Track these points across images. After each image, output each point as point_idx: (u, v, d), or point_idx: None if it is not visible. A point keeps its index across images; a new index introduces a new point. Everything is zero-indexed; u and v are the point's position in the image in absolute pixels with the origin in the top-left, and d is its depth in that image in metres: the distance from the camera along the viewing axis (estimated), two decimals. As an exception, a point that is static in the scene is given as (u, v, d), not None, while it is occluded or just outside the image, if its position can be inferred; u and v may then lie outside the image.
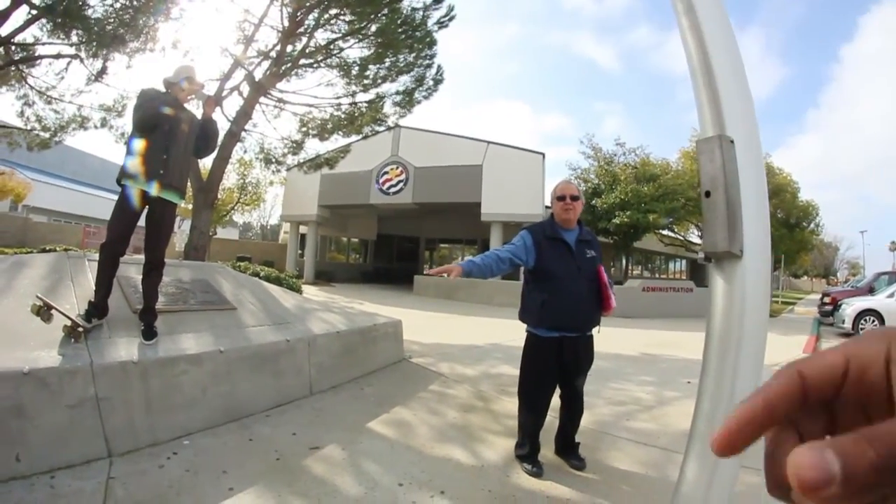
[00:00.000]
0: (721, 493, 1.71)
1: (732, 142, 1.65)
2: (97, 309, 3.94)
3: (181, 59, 12.71)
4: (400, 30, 13.17)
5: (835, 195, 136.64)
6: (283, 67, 12.96)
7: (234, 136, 12.88)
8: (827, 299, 19.26)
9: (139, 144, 4.14)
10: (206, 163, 17.07)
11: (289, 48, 12.91)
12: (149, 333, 4.06)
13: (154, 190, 4.09)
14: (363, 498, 3.14)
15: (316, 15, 12.57)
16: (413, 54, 14.05)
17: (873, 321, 14.06)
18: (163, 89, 4.43)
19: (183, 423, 3.89)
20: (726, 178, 1.61)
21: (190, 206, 14.24)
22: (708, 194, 1.66)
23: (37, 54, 12.12)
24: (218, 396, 4.22)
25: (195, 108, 4.94)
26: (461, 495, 3.30)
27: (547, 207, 25.13)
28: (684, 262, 44.95)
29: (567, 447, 4.09)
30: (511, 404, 5.45)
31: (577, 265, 3.78)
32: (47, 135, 13.95)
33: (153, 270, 4.28)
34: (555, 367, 3.84)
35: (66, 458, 3.15)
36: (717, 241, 1.63)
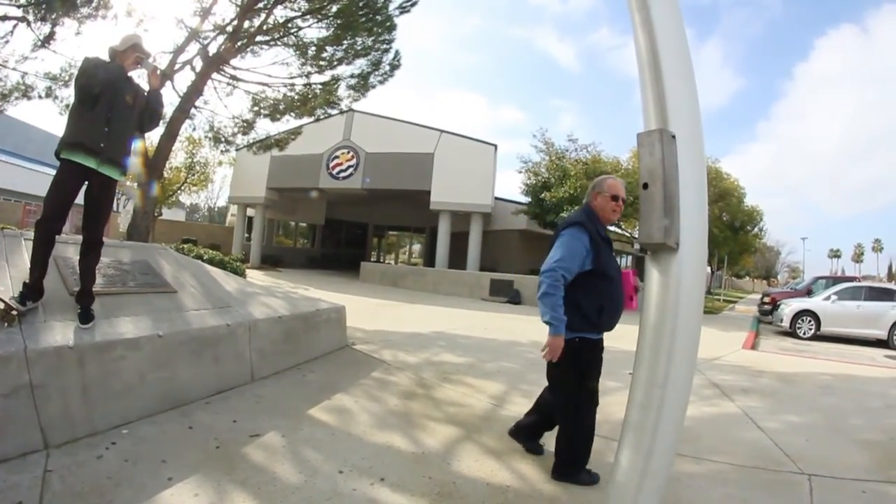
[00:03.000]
0: (655, 480, 1.75)
1: (674, 137, 1.68)
2: (32, 291, 3.77)
3: (134, 28, 12.29)
4: (361, 12, 12.98)
5: (781, 203, 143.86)
6: (238, 43, 12.61)
7: (183, 112, 12.44)
8: (767, 299, 20.23)
9: (80, 115, 3.95)
10: (152, 139, 16.61)
11: (246, 24, 12.56)
12: (85, 317, 3.88)
13: (94, 164, 3.94)
14: (303, 486, 3.12)
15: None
16: (372, 38, 13.85)
17: (810, 321, 14.89)
18: (108, 59, 4.26)
19: (122, 411, 3.76)
20: (665, 171, 1.64)
21: (134, 184, 13.78)
22: (646, 186, 1.69)
23: (-21, 15, 11.53)
24: (157, 383, 4.09)
25: (141, 80, 4.76)
26: (401, 482, 3.30)
27: (497, 198, 25.33)
28: (630, 257, 45.85)
29: (536, 435, 4.06)
30: (452, 391, 5.51)
31: (618, 265, 3.69)
32: (-13, 104, 13.25)
33: (91, 250, 4.07)
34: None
35: (0, 451, 3.02)
36: (652, 233, 1.66)
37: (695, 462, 4.13)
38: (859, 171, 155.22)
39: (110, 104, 4.01)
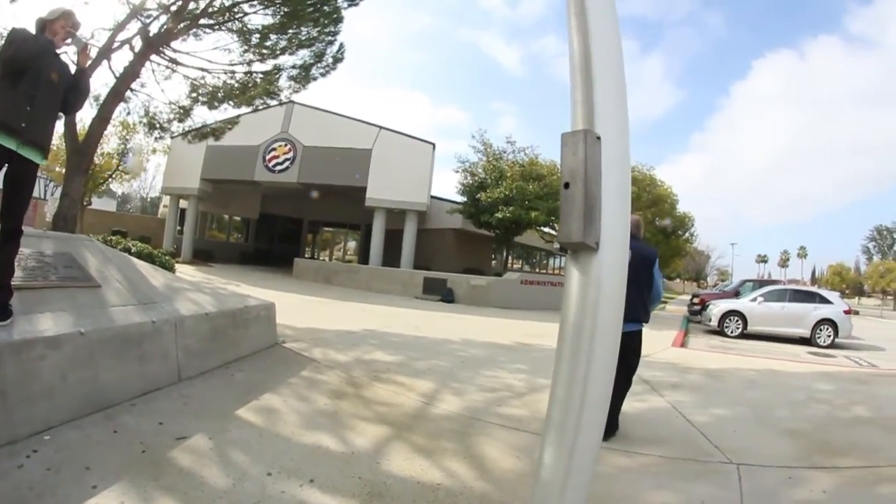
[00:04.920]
0: (580, 477, 1.75)
1: (599, 138, 1.69)
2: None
3: (72, 1, 11.77)
4: (309, 1, 12.83)
5: (713, 211, 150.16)
6: (182, 24, 12.15)
7: (118, 94, 11.91)
8: (696, 300, 21.01)
9: (1, 91, 3.74)
10: (84, 122, 15.91)
11: (192, 4, 12.11)
12: (3, 313, 3.64)
13: (14, 145, 3.72)
14: (231, 489, 3.06)
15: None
16: (317, 29, 13.65)
17: (737, 321, 15.64)
18: (36, 30, 4.03)
19: (43, 415, 3.55)
20: (587, 171, 1.65)
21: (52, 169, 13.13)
22: (567, 186, 1.69)
23: None
24: (80, 384, 3.88)
25: (67, 57, 4.52)
26: (331, 483, 3.27)
27: (433, 197, 25.39)
28: (563, 259, 46.65)
29: None
30: (383, 390, 5.49)
31: None
32: None
33: (9, 240, 3.83)
34: None
35: (-88, 464, 2.82)
36: (571, 232, 1.66)
37: (626, 456, 4.24)
38: (789, 184, 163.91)
39: (35, 81, 3.79)
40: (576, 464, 1.72)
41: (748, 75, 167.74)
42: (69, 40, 4.11)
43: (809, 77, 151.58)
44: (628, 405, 5.36)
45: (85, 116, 16.00)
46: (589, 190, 1.65)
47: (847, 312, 15.27)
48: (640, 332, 4.86)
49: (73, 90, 4.17)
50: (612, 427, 4.59)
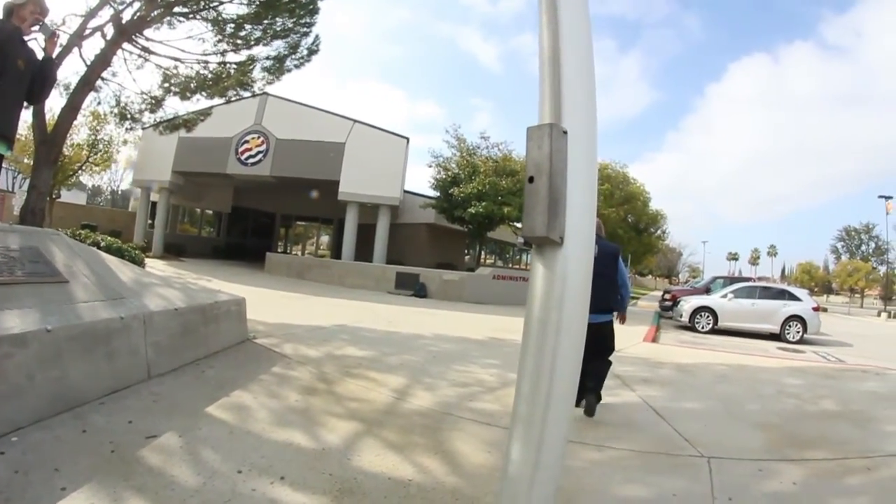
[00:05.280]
0: (548, 472, 1.76)
1: (565, 132, 1.69)
2: None
3: None
4: None
5: (687, 208, 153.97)
6: (155, 11, 11.98)
7: (88, 83, 11.73)
8: (668, 296, 21.44)
9: None
10: (53, 111, 15.59)
11: None
12: None
13: None
14: (202, 488, 3.02)
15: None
16: (293, 19, 13.56)
17: (708, 317, 15.93)
18: (2, 15, 3.94)
19: (10, 416, 3.45)
20: (552, 165, 1.65)
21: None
22: (531, 180, 1.70)
23: None
24: (47, 383, 3.78)
25: (35, 44, 4.43)
26: (302, 480, 3.25)
27: (406, 192, 25.36)
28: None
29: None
30: (354, 386, 5.47)
31: None
32: None
33: None
34: None
35: None
36: (535, 226, 1.67)
37: (597, 450, 4.27)
38: (761, 184, 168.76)
39: (1, 69, 3.75)
40: (544, 459, 1.73)
41: (723, 77, 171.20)
42: (37, 27, 4.04)
43: (783, 80, 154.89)
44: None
45: (54, 106, 15.73)
46: (554, 184, 1.66)
47: (815, 309, 15.66)
48: (612, 322, 5.59)
49: (39, 79, 4.11)
50: (592, 406, 5.20)
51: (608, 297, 5.39)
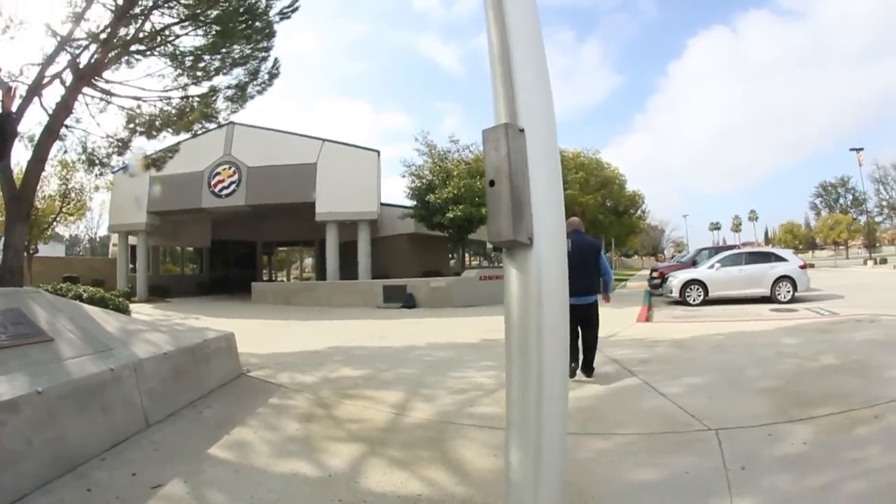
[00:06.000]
0: (551, 473, 1.74)
1: (522, 130, 1.68)
2: None
3: (0, 35, 11.38)
4: (240, 18, 12.56)
5: (661, 186, 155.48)
6: (112, 52, 11.78)
7: (52, 132, 11.37)
8: (655, 274, 21.55)
9: None
10: (21, 165, 15.38)
11: (122, 31, 11.75)
12: None
13: None
14: (211, 530, 3.04)
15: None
16: (250, 46, 13.39)
17: (698, 289, 16.07)
18: None
19: (12, 484, 3.35)
20: (511, 166, 1.63)
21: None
22: (492, 183, 1.68)
23: None
24: (45, 445, 3.67)
25: None
26: (310, 509, 3.27)
27: (383, 204, 25.34)
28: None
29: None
30: (352, 406, 5.44)
31: None
32: None
33: None
34: None
35: None
36: (501, 230, 1.65)
37: (603, 439, 4.27)
38: (733, 153, 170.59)
39: None
40: (545, 460, 1.71)
41: (684, 54, 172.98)
42: None
43: (742, 50, 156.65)
44: (599, 388, 5.49)
45: (21, 160, 15.52)
46: (515, 185, 1.64)
47: (803, 267, 15.88)
48: (596, 302, 6.53)
49: None
50: (589, 370, 6.34)
51: (591, 283, 6.41)
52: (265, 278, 37.82)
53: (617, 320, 11.18)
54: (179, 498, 3.46)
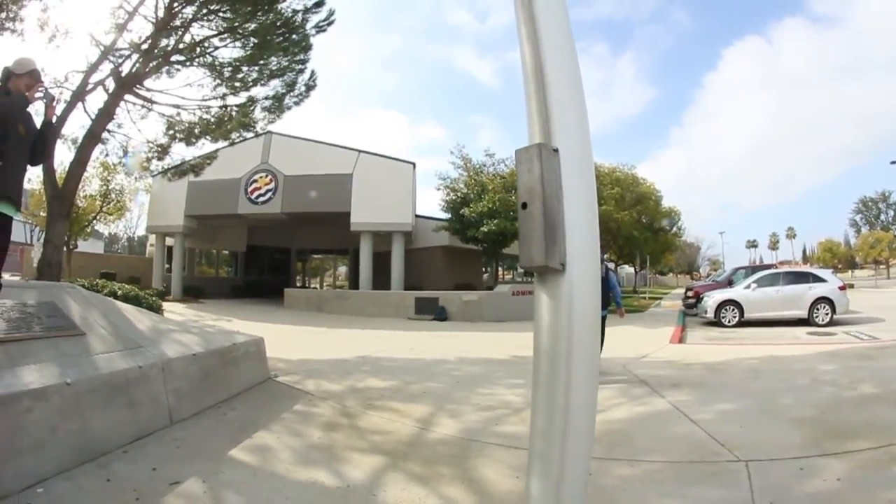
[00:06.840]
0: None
1: (556, 150, 1.63)
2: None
3: (47, 44, 11.74)
4: (278, 31, 12.82)
5: (697, 201, 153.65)
6: (153, 62, 12.14)
7: (94, 137, 11.80)
8: (690, 293, 21.11)
9: None
10: (64, 165, 15.79)
11: (162, 42, 12.11)
12: None
13: None
14: (225, 533, 3.01)
15: (194, 8, 11.91)
16: (287, 58, 13.66)
17: (733, 310, 15.55)
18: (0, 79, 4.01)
19: (34, 468, 3.44)
20: (544, 189, 1.59)
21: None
22: (525, 206, 1.64)
23: None
24: (70, 434, 3.78)
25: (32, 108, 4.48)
26: (327, 520, 3.23)
27: (417, 216, 25.44)
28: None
29: None
30: (377, 418, 5.40)
31: None
32: None
33: None
34: None
35: None
36: (533, 256, 1.60)
37: (629, 465, 4.15)
38: (769, 167, 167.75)
39: (4, 135, 3.77)
40: (566, 495, 1.64)
41: (719, 65, 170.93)
42: (40, 94, 4.11)
43: (778, 59, 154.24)
44: (628, 410, 5.35)
45: (65, 160, 15.95)
46: (549, 208, 1.59)
47: (842, 288, 15.33)
48: (605, 317, 7.31)
49: (39, 142, 4.15)
50: None
51: (603, 297, 6.52)
52: (298, 285, 38.10)
53: (650, 341, 11.00)
54: (196, 496, 3.47)
